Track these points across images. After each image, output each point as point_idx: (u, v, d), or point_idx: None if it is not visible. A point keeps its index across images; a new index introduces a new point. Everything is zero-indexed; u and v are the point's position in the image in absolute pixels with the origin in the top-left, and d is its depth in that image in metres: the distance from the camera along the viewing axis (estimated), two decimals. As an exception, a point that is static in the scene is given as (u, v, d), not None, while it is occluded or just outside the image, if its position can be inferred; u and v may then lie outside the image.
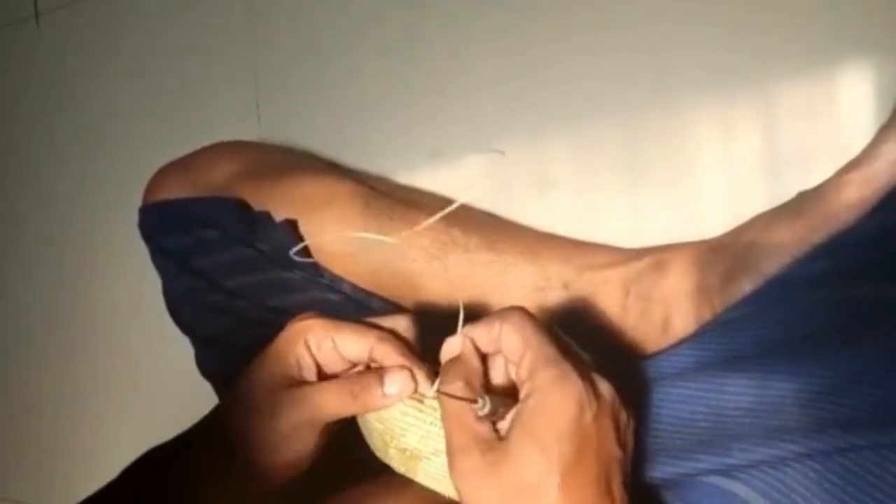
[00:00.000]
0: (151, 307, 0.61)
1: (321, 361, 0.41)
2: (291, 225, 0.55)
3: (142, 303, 0.75)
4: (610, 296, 0.52)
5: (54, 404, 0.88)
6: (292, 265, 0.54)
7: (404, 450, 0.40)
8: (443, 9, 0.66)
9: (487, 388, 0.37)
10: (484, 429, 0.35)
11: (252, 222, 0.57)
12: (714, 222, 0.55)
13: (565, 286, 0.53)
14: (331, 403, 0.39)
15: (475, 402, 0.34)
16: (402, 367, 0.39)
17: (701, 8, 0.57)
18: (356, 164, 0.68)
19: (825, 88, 0.54)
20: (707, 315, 0.49)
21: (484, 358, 0.38)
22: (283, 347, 0.40)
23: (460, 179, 0.65)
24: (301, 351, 0.40)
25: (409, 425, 0.39)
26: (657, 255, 0.53)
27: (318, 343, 0.40)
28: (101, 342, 0.84)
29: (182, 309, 0.57)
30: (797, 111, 0.55)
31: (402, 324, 0.41)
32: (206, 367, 0.59)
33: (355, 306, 0.55)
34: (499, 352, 0.37)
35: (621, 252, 0.55)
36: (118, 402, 0.82)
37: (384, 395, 0.39)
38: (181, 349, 0.60)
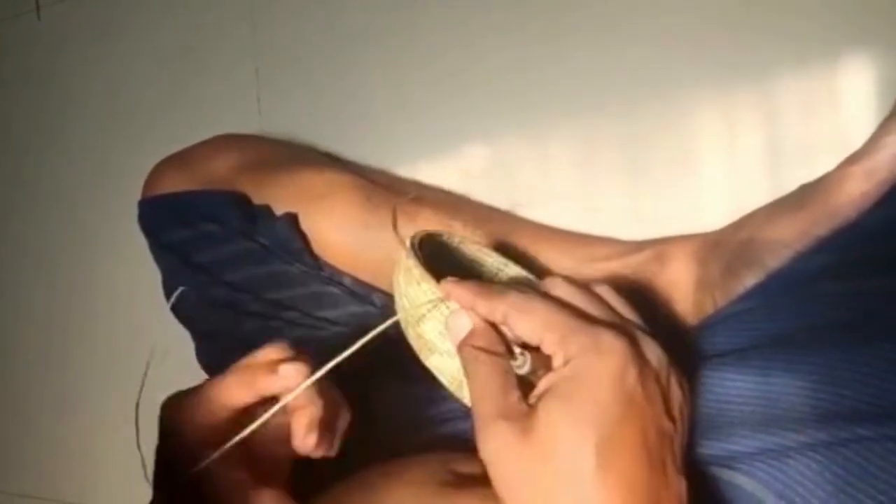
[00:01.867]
0: (151, 300, 0.61)
1: None
2: (292, 218, 0.55)
3: (142, 296, 0.76)
4: (611, 289, 0.52)
5: (53, 398, 0.88)
6: (292, 258, 0.54)
7: (420, 336, 0.38)
8: (443, 3, 0.66)
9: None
10: (513, 398, 0.32)
11: (252, 215, 0.56)
12: (715, 215, 0.55)
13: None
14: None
15: (514, 357, 0.32)
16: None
17: (702, 2, 0.57)
18: (357, 157, 0.68)
19: (826, 81, 0.54)
20: (708, 308, 0.49)
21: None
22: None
23: (460, 173, 0.64)
24: None
25: (432, 315, 0.37)
26: (658, 248, 0.53)
27: None
28: (100, 335, 0.84)
29: (182, 302, 0.57)
30: (798, 104, 0.55)
31: None
32: (206, 360, 0.59)
33: (356, 300, 0.55)
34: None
35: (622, 245, 0.55)
36: (118, 395, 0.82)
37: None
38: (181, 342, 0.60)
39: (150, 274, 0.59)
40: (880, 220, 0.43)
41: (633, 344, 0.31)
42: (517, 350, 0.33)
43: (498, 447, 0.31)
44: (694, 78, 0.57)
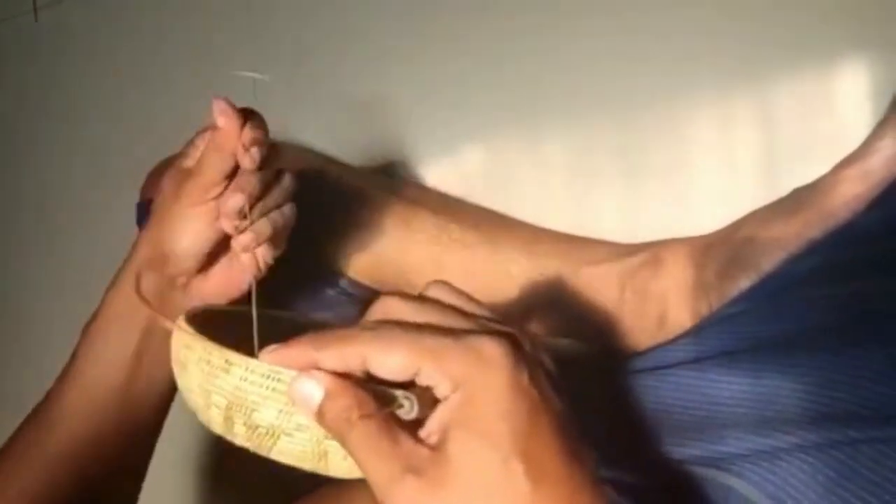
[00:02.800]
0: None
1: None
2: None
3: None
4: (606, 291, 0.52)
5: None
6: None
7: (256, 426, 0.31)
8: (441, 5, 0.66)
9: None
10: (407, 447, 0.27)
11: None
12: (710, 218, 0.55)
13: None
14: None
15: (399, 405, 0.27)
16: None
17: (697, 6, 0.57)
18: (353, 158, 0.68)
19: (822, 86, 0.54)
20: (703, 311, 0.49)
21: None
22: None
23: (458, 175, 0.65)
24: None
25: (264, 398, 0.30)
26: (653, 251, 0.53)
27: None
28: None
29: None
30: (794, 107, 0.55)
31: None
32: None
33: (352, 302, 0.55)
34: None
35: (617, 247, 0.55)
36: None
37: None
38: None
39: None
40: (873, 222, 0.44)
41: (508, 339, 0.28)
42: (399, 394, 0.28)
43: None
44: (690, 81, 0.57)
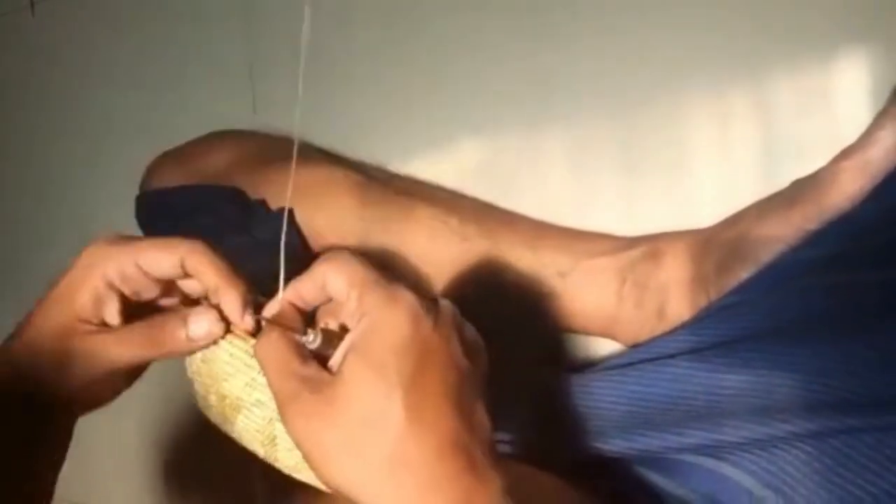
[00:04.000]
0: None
1: (129, 292, 0.35)
2: (288, 213, 0.55)
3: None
4: (606, 284, 0.53)
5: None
6: (288, 254, 0.54)
7: (224, 397, 0.34)
8: (438, 1, 0.66)
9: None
10: (311, 370, 0.30)
11: (248, 211, 0.57)
12: (709, 211, 0.55)
13: (561, 274, 0.53)
14: (129, 353, 0.34)
15: (304, 333, 0.31)
16: (208, 306, 0.35)
17: (695, 0, 0.57)
18: (352, 153, 0.68)
19: (820, 77, 0.54)
20: (702, 303, 0.50)
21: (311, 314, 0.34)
22: (73, 286, 0.35)
23: (455, 168, 0.65)
24: (98, 287, 0.34)
25: (236, 370, 0.34)
26: (652, 244, 0.53)
27: (120, 272, 0.34)
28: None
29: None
30: (792, 101, 0.55)
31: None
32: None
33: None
34: (329, 298, 0.33)
35: (617, 240, 0.55)
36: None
37: (190, 338, 0.34)
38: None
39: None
40: (871, 213, 0.44)
41: (425, 298, 0.31)
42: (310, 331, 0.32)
43: (307, 422, 0.29)
44: (689, 76, 0.57)
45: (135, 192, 0.61)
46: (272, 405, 0.32)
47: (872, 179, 0.45)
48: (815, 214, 0.46)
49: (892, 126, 0.45)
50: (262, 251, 0.55)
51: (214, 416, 0.36)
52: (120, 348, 0.34)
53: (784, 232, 0.47)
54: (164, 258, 0.34)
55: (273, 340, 0.31)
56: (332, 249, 0.34)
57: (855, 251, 0.43)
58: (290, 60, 0.72)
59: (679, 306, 0.51)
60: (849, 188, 0.45)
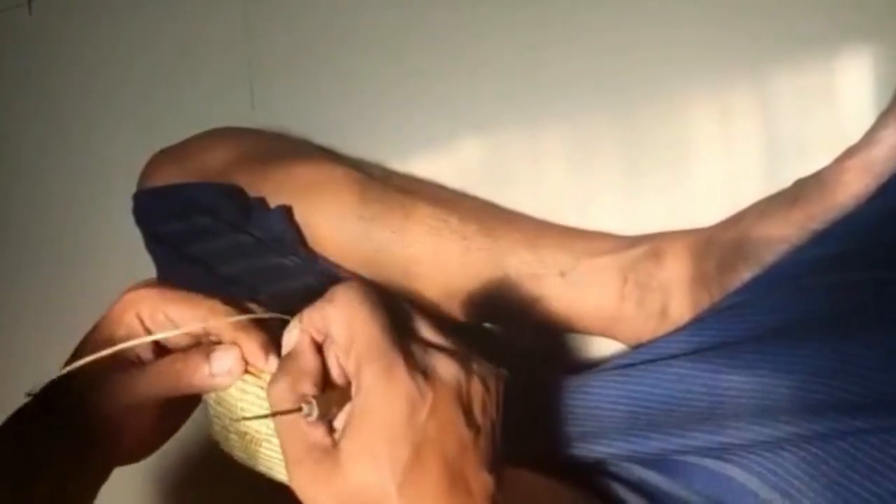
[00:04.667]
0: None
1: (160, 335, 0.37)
2: (286, 211, 0.55)
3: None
4: (607, 283, 0.52)
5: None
6: (286, 251, 0.54)
7: (244, 433, 0.36)
8: (438, -2, 0.65)
9: (326, 382, 0.33)
10: (317, 434, 0.31)
11: (247, 209, 0.56)
12: (711, 211, 0.55)
13: (562, 274, 0.53)
14: (154, 387, 0.36)
15: (298, 409, 0.30)
16: (232, 344, 0.36)
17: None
18: (351, 151, 0.68)
19: (823, 76, 0.54)
20: (705, 303, 0.49)
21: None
22: (112, 323, 0.37)
23: (455, 166, 0.64)
24: (132, 324, 0.37)
25: (250, 404, 0.35)
26: (654, 243, 0.53)
27: (150, 316, 0.37)
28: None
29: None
30: (795, 99, 0.55)
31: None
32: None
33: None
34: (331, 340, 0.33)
35: (618, 239, 0.55)
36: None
37: (212, 374, 0.35)
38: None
39: (143, 267, 0.59)
40: (874, 213, 0.43)
41: (422, 374, 0.31)
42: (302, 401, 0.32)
43: (310, 485, 0.30)
44: (690, 73, 0.57)
45: (132, 189, 0.61)
46: None
47: (876, 179, 0.44)
48: (818, 214, 0.46)
49: (895, 125, 0.45)
50: (259, 249, 0.55)
51: (239, 454, 0.37)
52: (146, 381, 0.36)
53: (786, 231, 0.47)
54: (187, 314, 0.37)
55: (283, 392, 0.31)
56: (342, 281, 0.33)
57: (859, 251, 0.42)
58: (289, 58, 0.72)
59: (681, 306, 0.51)
60: (852, 188, 0.45)
